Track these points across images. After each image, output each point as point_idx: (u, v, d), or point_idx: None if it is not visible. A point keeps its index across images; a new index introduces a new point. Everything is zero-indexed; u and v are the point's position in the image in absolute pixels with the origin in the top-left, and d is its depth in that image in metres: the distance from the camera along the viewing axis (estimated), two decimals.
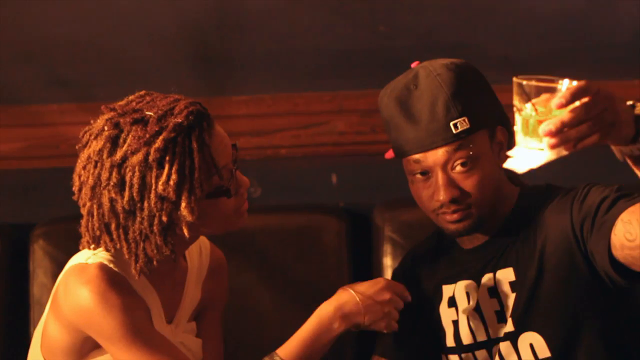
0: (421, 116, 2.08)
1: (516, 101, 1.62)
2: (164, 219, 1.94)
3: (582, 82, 1.58)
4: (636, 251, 1.84)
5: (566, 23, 3.04)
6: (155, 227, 1.95)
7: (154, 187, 1.93)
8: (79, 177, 2.01)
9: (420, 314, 2.22)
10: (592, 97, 1.57)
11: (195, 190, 1.94)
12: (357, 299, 2.10)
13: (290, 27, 3.08)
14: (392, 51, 3.07)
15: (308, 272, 2.99)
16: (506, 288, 2.11)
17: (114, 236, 1.98)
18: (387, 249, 2.95)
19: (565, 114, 1.57)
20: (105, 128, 1.97)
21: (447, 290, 2.21)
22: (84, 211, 2.02)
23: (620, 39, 3.03)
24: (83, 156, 2.00)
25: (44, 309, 2.93)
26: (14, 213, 3.17)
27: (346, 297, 2.11)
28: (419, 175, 2.11)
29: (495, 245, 2.15)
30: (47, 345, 2.06)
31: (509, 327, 2.10)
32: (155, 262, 1.99)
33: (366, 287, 2.12)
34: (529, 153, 1.61)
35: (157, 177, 1.93)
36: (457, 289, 2.17)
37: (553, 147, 1.58)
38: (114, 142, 1.96)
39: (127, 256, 1.99)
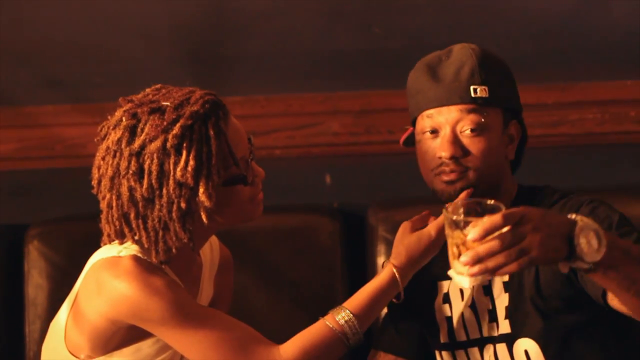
0: (445, 77, 2.14)
1: (446, 228, 1.72)
2: (183, 205, 1.97)
3: (498, 217, 1.65)
4: (629, 307, 1.87)
5: (559, 24, 3.05)
6: (174, 214, 1.98)
7: (172, 173, 1.96)
8: (98, 169, 2.04)
9: (417, 309, 2.23)
10: (511, 228, 1.64)
11: (212, 176, 1.98)
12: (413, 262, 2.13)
13: (284, 28, 3.08)
14: (386, 52, 3.08)
15: (302, 272, 2.99)
16: (499, 288, 2.13)
17: (134, 225, 2.00)
18: (381, 248, 2.96)
19: (481, 246, 1.65)
20: (123, 119, 2.01)
21: (443, 286, 2.22)
22: (103, 204, 2.04)
23: (612, 40, 3.04)
24: (102, 148, 2.04)
25: (39, 309, 2.96)
26: (9, 214, 3.17)
27: (407, 255, 2.13)
28: (428, 134, 2.15)
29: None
30: (72, 342, 2.07)
31: (505, 328, 2.11)
32: (174, 250, 2.01)
33: (419, 251, 2.13)
34: (458, 276, 1.70)
35: (175, 164, 1.96)
36: (452, 286, 2.19)
37: (472, 275, 1.66)
38: (132, 132, 1.99)
39: (146, 245, 2.01)
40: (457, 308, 2.19)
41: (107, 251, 2.04)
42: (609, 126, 3.08)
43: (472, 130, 2.11)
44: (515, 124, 2.17)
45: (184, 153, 1.96)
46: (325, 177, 3.18)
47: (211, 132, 1.99)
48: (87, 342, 2.05)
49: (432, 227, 2.13)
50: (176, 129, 1.96)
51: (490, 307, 2.13)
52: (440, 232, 2.11)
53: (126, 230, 2.02)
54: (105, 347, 2.05)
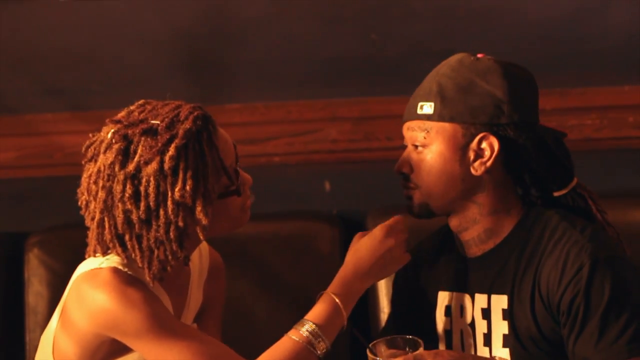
0: (418, 88, 2.13)
1: None
2: (181, 224, 1.97)
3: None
4: None
5: (556, 29, 3.05)
6: (171, 234, 1.97)
7: (170, 194, 1.96)
8: (88, 191, 2.02)
9: (419, 316, 2.23)
10: None
11: (209, 193, 1.98)
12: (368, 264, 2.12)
13: (283, 36, 3.09)
14: (384, 59, 3.08)
15: (302, 278, 2.99)
16: (498, 314, 2.10)
17: (128, 246, 2.00)
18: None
19: None
20: (114, 141, 1.99)
21: (443, 296, 2.21)
22: (92, 224, 2.03)
23: (610, 46, 3.04)
24: (91, 171, 2.02)
25: (39, 317, 2.97)
26: (9, 222, 3.18)
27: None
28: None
29: (493, 261, 2.13)
30: (59, 354, 2.07)
31: (505, 356, 2.08)
32: (169, 268, 2.01)
33: (368, 255, 2.12)
34: None
35: (173, 185, 1.96)
36: (454, 300, 2.18)
37: None
38: (125, 154, 1.98)
39: (140, 264, 2.00)
40: (457, 323, 2.17)
41: (90, 263, 2.04)
42: (607, 132, 3.09)
43: (416, 147, 2.10)
44: (488, 138, 2.07)
45: (181, 173, 1.96)
46: (325, 184, 3.18)
47: (205, 149, 1.99)
48: (74, 354, 2.05)
49: (377, 229, 2.12)
50: (171, 150, 1.95)
51: (486, 332, 2.11)
52: (389, 232, 2.11)
53: (120, 250, 2.01)
54: (92, 359, 2.05)
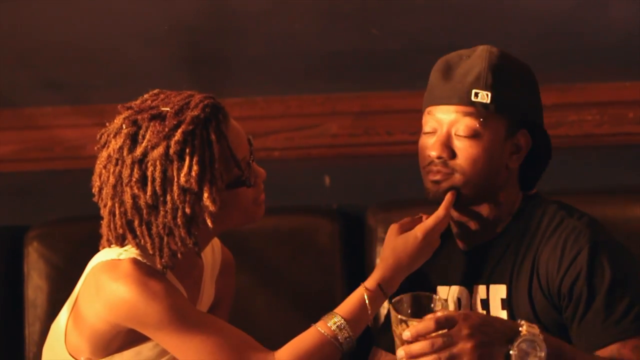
0: (454, 77, 2.10)
1: (392, 322, 1.86)
2: (187, 210, 1.98)
3: (431, 322, 1.78)
4: None
5: (557, 25, 3.05)
6: (179, 220, 1.98)
7: (176, 179, 1.97)
8: (100, 177, 2.04)
9: None
10: (443, 333, 1.77)
11: (216, 181, 1.99)
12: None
13: (282, 30, 3.09)
14: (385, 53, 3.08)
15: (302, 273, 3.00)
16: (497, 304, 2.11)
17: (138, 232, 2.01)
18: (380, 250, 2.95)
19: (414, 345, 1.79)
20: (124, 126, 2.01)
21: (442, 291, 2.21)
22: (105, 212, 2.04)
23: (610, 42, 3.04)
24: (102, 156, 2.04)
25: (38, 310, 2.97)
26: (9, 216, 3.18)
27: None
28: (428, 129, 2.13)
29: (491, 252, 2.14)
30: (72, 344, 2.08)
31: None
32: (179, 255, 2.02)
33: (406, 254, 2.12)
34: None
35: (179, 170, 1.97)
36: (451, 294, 2.18)
37: None
38: (133, 139, 2.00)
39: (151, 252, 2.01)
40: None
41: (107, 254, 2.05)
42: (607, 127, 3.09)
43: (465, 134, 2.08)
44: (525, 134, 2.11)
45: (187, 158, 1.97)
46: (324, 179, 3.18)
47: (213, 136, 2.00)
48: (87, 345, 2.05)
49: (418, 229, 2.12)
50: (178, 135, 1.97)
51: None
52: (429, 234, 2.11)
53: (130, 237, 2.02)
54: (106, 349, 2.05)
